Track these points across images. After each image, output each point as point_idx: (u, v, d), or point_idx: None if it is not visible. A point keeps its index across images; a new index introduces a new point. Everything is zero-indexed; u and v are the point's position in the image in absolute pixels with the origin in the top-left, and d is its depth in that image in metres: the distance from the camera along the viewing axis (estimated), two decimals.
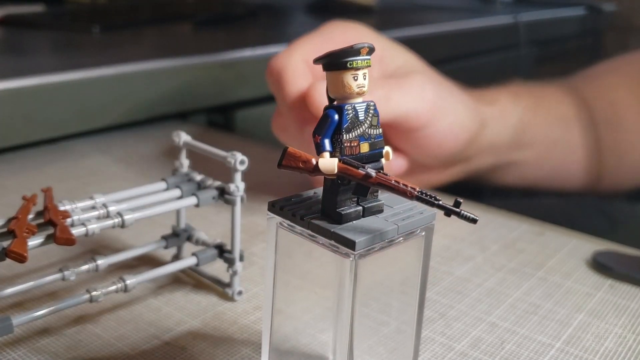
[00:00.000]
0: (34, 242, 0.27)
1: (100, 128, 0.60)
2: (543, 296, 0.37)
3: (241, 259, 0.35)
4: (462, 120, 0.47)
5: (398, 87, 0.43)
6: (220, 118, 0.70)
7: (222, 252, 0.35)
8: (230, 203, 0.34)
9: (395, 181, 0.23)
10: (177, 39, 0.79)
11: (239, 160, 0.33)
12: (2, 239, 0.27)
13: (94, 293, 0.30)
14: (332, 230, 0.24)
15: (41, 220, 0.29)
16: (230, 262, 0.35)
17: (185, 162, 0.37)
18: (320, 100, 0.44)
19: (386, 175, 0.23)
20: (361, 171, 0.23)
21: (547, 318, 0.35)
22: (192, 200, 0.34)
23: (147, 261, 0.39)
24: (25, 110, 0.54)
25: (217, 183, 0.35)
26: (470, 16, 1.08)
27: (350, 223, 0.24)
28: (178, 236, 0.37)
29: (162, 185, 0.35)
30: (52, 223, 0.28)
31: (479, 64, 1.05)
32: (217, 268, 0.37)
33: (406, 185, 0.23)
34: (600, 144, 0.56)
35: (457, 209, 0.23)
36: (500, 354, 0.32)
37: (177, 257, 0.38)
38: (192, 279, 0.37)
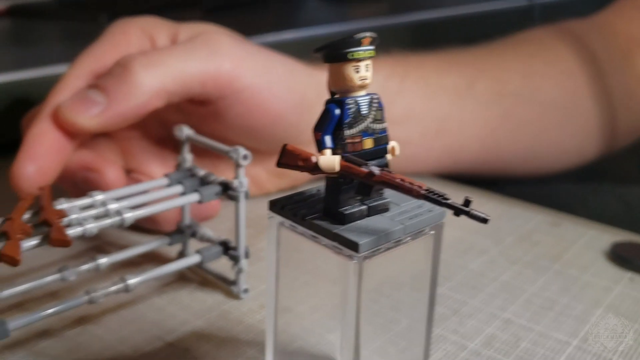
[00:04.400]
0: (28, 244, 0.27)
1: None
2: (559, 291, 0.36)
3: (247, 256, 0.34)
4: (285, 79, 0.40)
5: (172, 49, 0.37)
6: None
7: (227, 249, 0.34)
8: (234, 199, 0.33)
9: (401, 179, 0.22)
10: None
11: (242, 155, 0.32)
12: None
13: (93, 294, 0.30)
14: (334, 231, 0.22)
15: (37, 221, 0.28)
16: (235, 260, 0.34)
17: (188, 157, 0.36)
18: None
19: (391, 172, 0.22)
20: (364, 169, 0.22)
21: (563, 314, 0.33)
22: (195, 196, 0.33)
23: (153, 258, 0.38)
24: (28, 103, 0.53)
25: (221, 178, 0.34)
26: None
27: (354, 223, 0.23)
28: (182, 232, 0.36)
29: (165, 181, 0.34)
30: (47, 223, 0.27)
31: None
32: (223, 264, 0.36)
33: (412, 184, 0.21)
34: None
35: (467, 208, 0.21)
36: (515, 352, 0.30)
37: (182, 254, 0.37)
38: (198, 276, 0.36)
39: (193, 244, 0.37)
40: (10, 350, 0.29)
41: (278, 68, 0.40)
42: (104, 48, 0.38)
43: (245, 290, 0.34)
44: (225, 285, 0.35)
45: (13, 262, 0.25)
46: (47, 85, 0.53)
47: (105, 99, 0.34)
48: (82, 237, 0.28)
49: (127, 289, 0.31)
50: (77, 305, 0.29)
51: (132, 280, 0.31)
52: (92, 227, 0.28)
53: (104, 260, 0.32)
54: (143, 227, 0.40)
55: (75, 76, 0.36)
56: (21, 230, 0.27)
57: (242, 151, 0.32)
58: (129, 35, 0.39)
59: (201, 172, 0.35)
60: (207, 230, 0.36)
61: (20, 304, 0.33)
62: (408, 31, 0.83)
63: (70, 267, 0.31)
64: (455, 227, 0.42)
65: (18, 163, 0.33)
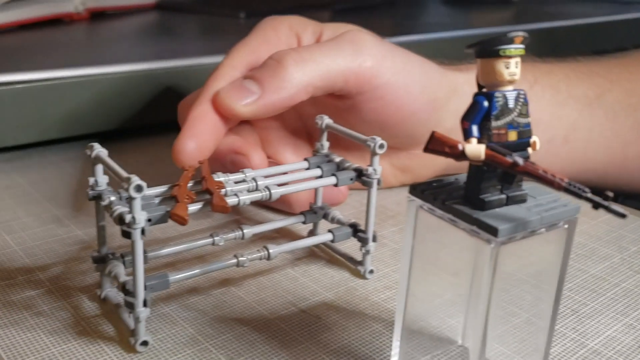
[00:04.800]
0: (193, 207, 0.30)
1: None
2: None
3: (374, 239, 0.36)
4: (420, 78, 0.42)
5: (320, 46, 0.39)
6: None
7: (357, 231, 0.37)
8: (367, 185, 0.35)
9: (543, 171, 0.23)
10: None
11: (379, 144, 0.34)
12: (165, 203, 0.30)
13: (241, 258, 0.33)
14: (474, 216, 0.24)
15: (199, 189, 0.32)
16: (363, 242, 0.36)
17: (325, 144, 0.38)
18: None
19: (534, 164, 0.23)
20: (508, 159, 0.23)
21: None
22: (332, 180, 0.35)
23: (284, 234, 0.41)
24: (172, 90, 0.58)
25: (355, 165, 0.36)
26: (617, 9, 1.02)
27: (493, 210, 0.25)
28: (315, 213, 0.39)
29: (304, 164, 0.37)
30: (208, 192, 0.31)
31: None
32: (349, 246, 0.39)
33: (554, 176, 0.23)
34: None
35: (606, 203, 0.22)
36: (637, 356, 0.31)
37: (312, 233, 0.40)
38: (326, 255, 0.39)
39: (322, 226, 0.40)
40: (165, 302, 0.33)
41: (415, 67, 0.42)
42: (257, 42, 0.42)
43: (371, 271, 0.37)
44: (352, 265, 0.37)
45: (182, 221, 0.28)
46: (188, 75, 0.58)
47: (259, 89, 0.38)
48: (236, 207, 0.32)
49: (269, 257, 0.34)
50: (227, 266, 0.33)
51: (274, 250, 0.34)
52: (245, 198, 0.32)
53: (248, 230, 0.35)
54: (274, 207, 0.44)
55: (231, 66, 0.40)
56: (187, 196, 0.30)
57: (379, 140, 0.34)
58: (278, 32, 0.43)
59: (337, 159, 0.37)
60: (337, 213, 0.39)
61: (172, 264, 0.37)
62: (534, 39, 0.83)
63: (220, 233, 0.35)
64: (576, 232, 0.42)
65: (181, 140, 0.37)
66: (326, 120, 0.38)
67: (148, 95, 0.57)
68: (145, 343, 0.29)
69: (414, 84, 0.42)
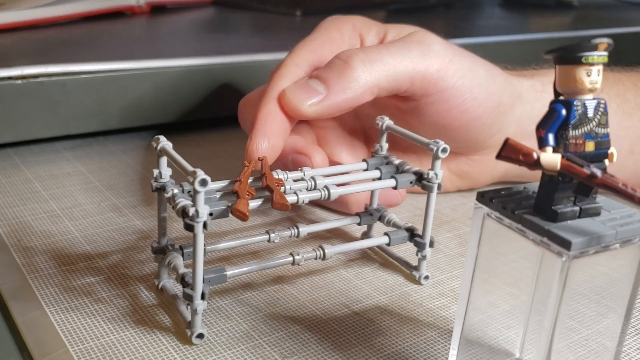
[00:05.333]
0: (253, 204, 0.30)
1: None
2: None
3: (431, 244, 0.36)
4: (485, 83, 0.41)
5: (387, 47, 0.38)
6: None
7: (413, 235, 0.36)
8: (427, 189, 0.35)
9: (623, 184, 0.22)
10: None
11: (441, 147, 0.34)
12: (226, 198, 0.30)
13: (296, 257, 0.33)
14: (546, 227, 0.23)
15: (258, 185, 0.32)
16: (420, 247, 0.36)
17: (384, 145, 0.38)
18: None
19: (612, 176, 0.22)
20: (586, 170, 0.22)
21: None
22: (391, 182, 0.35)
23: (337, 234, 0.41)
24: (226, 85, 0.58)
25: (415, 168, 0.36)
26: None
27: (565, 222, 0.24)
28: (371, 215, 0.39)
29: (363, 165, 0.36)
30: (268, 189, 0.31)
31: None
32: (402, 250, 0.38)
33: (635, 190, 0.22)
34: None
35: None
36: None
37: (366, 235, 0.40)
38: (379, 257, 0.38)
39: (376, 228, 0.39)
40: (220, 296, 0.33)
41: (481, 71, 0.41)
42: (320, 41, 0.42)
43: (426, 277, 0.36)
44: (406, 270, 0.37)
45: (244, 217, 0.28)
46: (245, 71, 0.58)
47: (325, 89, 0.37)
48: (295, 204, 0.31)
49: (324, 257, 0.34)
50: (283, 264, 0.33)
51: (329, 250, 0.34)
52: (305, 197, 0.31)
53: (303, 229, 0.35)
54: (330, 207, 0.43)
55: (295, 64, 0.40)
56: (248, 192, 0.30)
57: (442, 144, 0.34)
58: (342, 32, 0.42)
59: (396, 161, 0.37)
60: (393, 215, 0.38)
61: (226, 258, 0.37)
62: None
63: (275, 230, 0.35)
64: None
65: (255, 140, 0.37)
66: (387, 121, 0.37)
67: (205, 90, 0.57)
68: (201, 336, 0.29)
69: (480, 89, 0.41)
